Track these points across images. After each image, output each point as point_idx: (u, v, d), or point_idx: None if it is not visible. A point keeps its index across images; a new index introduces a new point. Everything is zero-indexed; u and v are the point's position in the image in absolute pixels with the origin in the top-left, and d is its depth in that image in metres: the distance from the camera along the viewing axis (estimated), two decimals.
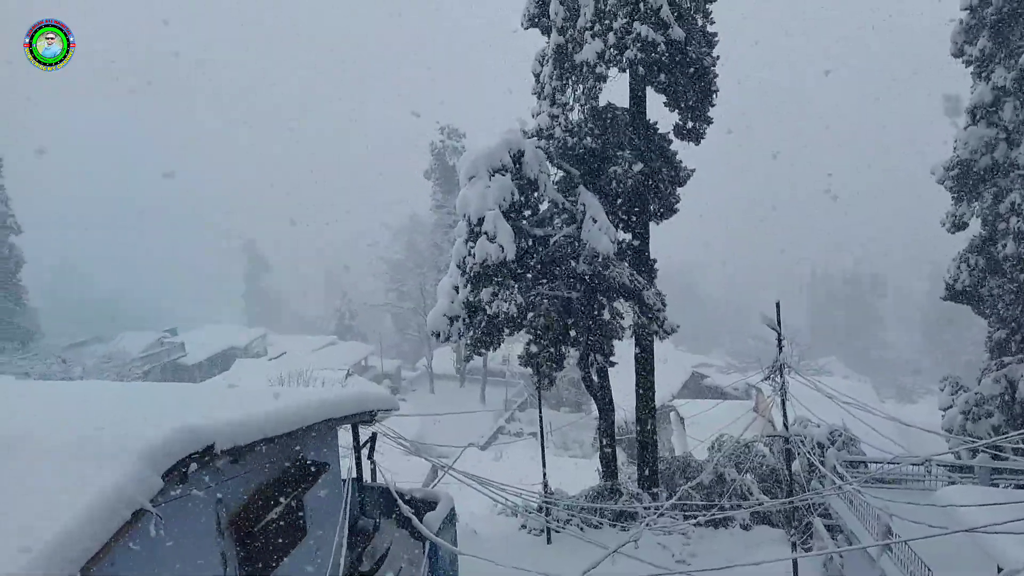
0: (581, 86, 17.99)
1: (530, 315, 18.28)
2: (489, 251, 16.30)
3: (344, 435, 10.42)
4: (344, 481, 9.38)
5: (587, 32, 17.11)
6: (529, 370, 19.52)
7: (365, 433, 10.65)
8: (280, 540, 7.34)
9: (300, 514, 7.82)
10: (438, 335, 17.46)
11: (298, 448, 8.25)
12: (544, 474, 18.52)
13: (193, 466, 5.62)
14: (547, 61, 18.57)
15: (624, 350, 21.53)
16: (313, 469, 8.32)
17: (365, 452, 10.53)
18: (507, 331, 18.02)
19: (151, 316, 68.40)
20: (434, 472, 23.78)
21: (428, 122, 58.49)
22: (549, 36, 18.54)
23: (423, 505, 11.29)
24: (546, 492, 18.21)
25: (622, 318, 19.86)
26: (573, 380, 47.86)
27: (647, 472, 20.19)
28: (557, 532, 17.01)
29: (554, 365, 18.87)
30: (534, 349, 18.58)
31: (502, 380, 54.66)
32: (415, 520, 8.48)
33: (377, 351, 61.00)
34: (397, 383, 57.83)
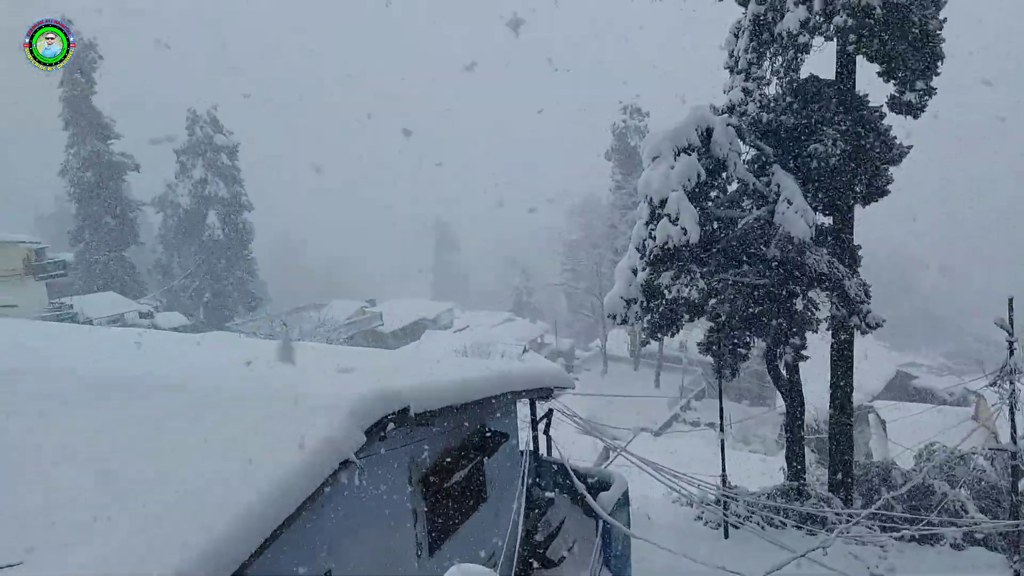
0: (780, 58, 16.70)
1: (712, 301, 17.49)
2: (671, 233, 15.79)
3: (520, 409, 10.76)
4: (522, 453, 9.69)
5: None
6: (709, 358, 18.75)
7: (541, 409, 10.91)
8: (463, 502, 7.77)
9: (481, 479, 8.21)
10: (614, 317, 17.33)
11: (481, 417, 8.65)
12: (723, 467, 17.80)
13: (391, 426, 6.10)
14: (743, 33, 17.46)
15: (817, 343, 19.89)
16: (494, 438, 8.68)
17: (541, 427, 10.78)
18: (687, 317, 17.41)
19: (359, 286, 75.62)
20: (606, 453, 23.84)
21: (609, 101, 57.80)
22: (746, 7, 17.40)
23: (597, 484, 11.35)
24: (725, 485, 17.49)
25: (817, 309, 18.33)
26: (757, 372, 45.29)
27: (839, 476, 18.61)
28: (736, 528, 16.29)
29: (737, 355, 17.94)
30: (716, 337, 17.78)
31: (678, 366, 53.17)
32: (589, 498, 8.56)
33: (552, 329, 62.17)
34: (570, 362, 58.56)
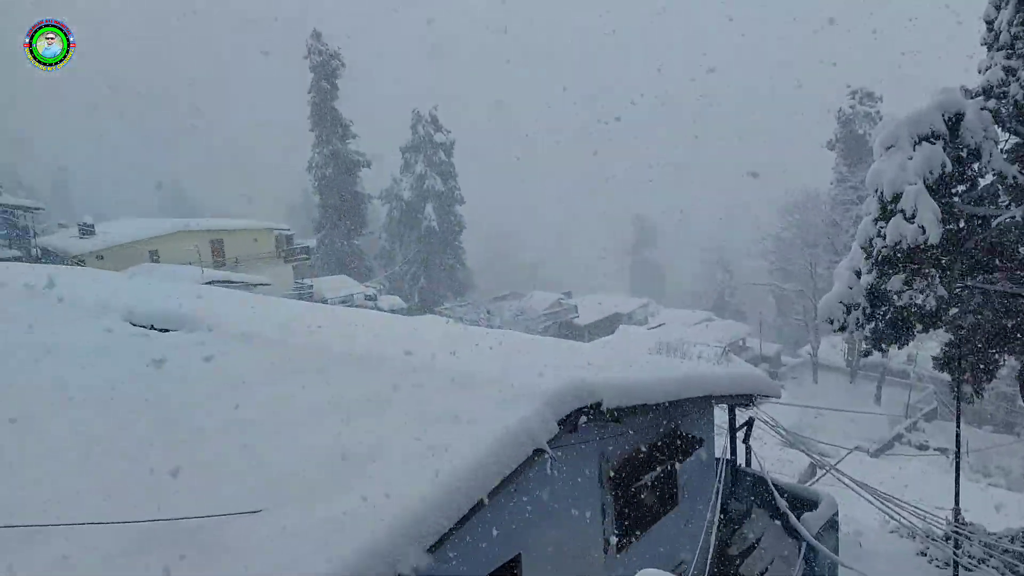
0: None
1: (954, 311, 15.26)
2: (905, 232, 14.01)
3: (718, 414, 10.26)
4: (718, 460, 9.25)
5: None
6: (945, 375, 16.41)
7: (741, 416, 10.32)
8: (654, 503, 7.61)
9: (673, 483, 7.98)
10: (831, 322, 15.81)
11: (675, 419, 8.39)
12: (957, 499, 15.53)
13: (583, 419, 6.14)
14: (1007, 3, 14.94)
15: None
16: (688, 442, 8.39)
17: (740, 435, 10.20)
18: (919, 327, 15.36)
19: (560, 278, 77.56)
20: (812, 470, 21.97)
21: (837, 87, 52.71)
22: None
23: (800, 502, 10.49)
24: (957, 520, 15.27)
25: None
26: (1005, 395, 38.90)
27: None
28: (968, 570, 14.16)
29: (983, 375, 15.50)
30: (956, 352, 15.49)
31: (905, 381, 47.34)
32: (791, 516, 7.94)
33: (756, 332, 58.51)
34: (776, 368, 54.73)
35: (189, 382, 7.03)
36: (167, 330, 8.64)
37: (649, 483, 7.36)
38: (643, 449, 7.73)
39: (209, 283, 25.96)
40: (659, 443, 8.06)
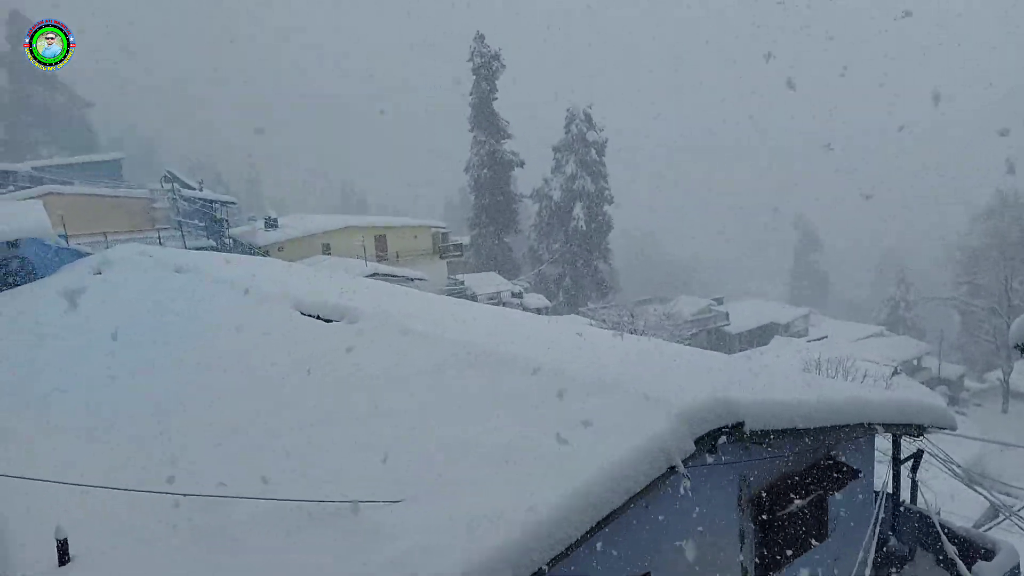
0: None
1: None
2: None
3: (881, 442, 9.39)
4: (876, 494, 8.48)
5: None
6: None
7: (908, 447, 9.36)
8: (799, 535, 7.14)
9: (823, 515, 7.44)
10: (1022, 350, 13.89)
11: (828, 446, 7.80)
12: None
13: (723, 439, 5.89)
14: None
15: None
16: (842, 472, 7.75)
17: (906, 469, 9.27)
18: None
19: (712, 283, 74.72)
20: (993, 513, 19.43)
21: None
22: None
23: (974, 550, 9.34)
24: None
25: None
26: None
27: None
28: None
29: None
30: None
31: None
32: (961, 565, 7.12)
33: (934, 351, 52.70)
34: (956, 393, 48.99)
35: (343, 371, 7.61)
36: (331, 320, 9.41)
37: (795, 512, 6.90)
38: (790, 475, 7.26)
39: (372, 275, 27.89)
40: (808, 470, 7.53)
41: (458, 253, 50.86)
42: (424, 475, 5.33)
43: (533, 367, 7.07)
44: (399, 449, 5.78)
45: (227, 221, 33.83)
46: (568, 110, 59.28)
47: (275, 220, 39.64)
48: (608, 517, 4.93)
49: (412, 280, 33.56)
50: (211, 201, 33.96)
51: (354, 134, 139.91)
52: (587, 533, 4.79)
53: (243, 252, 31.52)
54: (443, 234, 49.64)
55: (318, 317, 9.63)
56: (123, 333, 9.61)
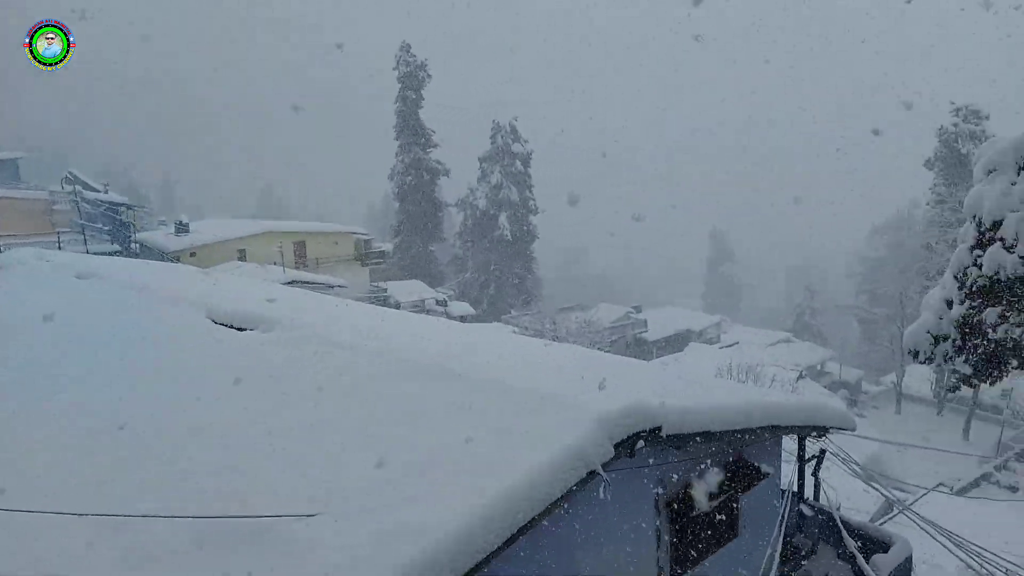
0: None
1: None
2: (1003, 262, 13.15)
3: (787, 443, 9.86)
4: (783, 492, 8.89)
5: None
6: None
7: (812, 447, 9.89)
8: (712, 534, 7.39)
9: (734, 514, 7.72)
10: (915, 354, 14.99)
11: (740, 447, 8.13)
12: None
13: (641, 443, 6.03)
14: None
15: None
16: (753, 472, 8.10)
17: (809, 468, 9.77)
18: (1015, 363, 14.38)
19: (630, 293, 76.63)
20: (887, 508, 20.78)
21: (937, 102, 49.97)
22: None
23: (872, 543, 9.94)
24: None
25: None
26: None
27: None
28: None
29: None
30: None
31: (997, 417, 44.21)
32: (860, 558, 7.55)
33: (837, 357, 55.97)
34: (856, 395, 52.17)
35: (257, 383, 7.33)
36: (245, 329, 9.05)
37: (708, 512, 7.15)
38: (703, 477, 7.52)
39: (290, 283, 27.06)
40: (720, 472, 7.82)
41: (381, 260, 50.14)
42: (341, 488, 5.19)
43: (455, 375, 7.03)
44: (315, 462, 5.61)
45: (134, 225, 32.07)
46: (494, 121, 59.77)
47: (186, 225, 37.95)
48: (529, 524, 4.94)
49: (332, 287, 32.84)
50: (117, 204, 32.10)
51: (275, 138, 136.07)
52: (507, 541, 4.79)
53: (152, 258, 29.93)
54: (366, 241, 48.86)
55: (231, 326, 9.25)
56: (13, 343, 8.92)
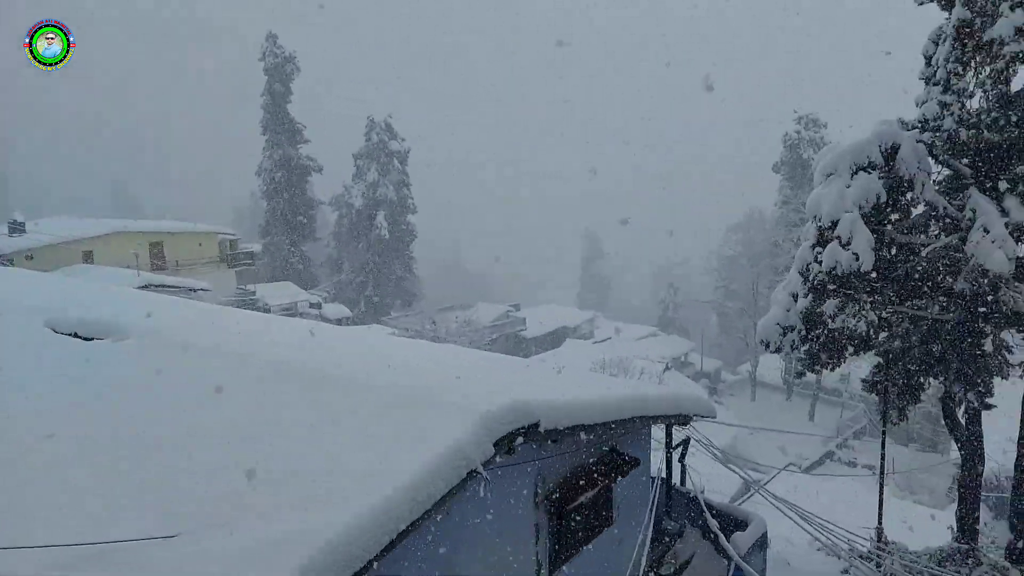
0: (988, 68, 14.83)
1: (883, 335, 15.88)
2: (840, 258, 14.54)
3: (655, 432, 10.38)
4: (653, 480, 9.35)
5: (1004, 3, 13.98)
6: (875, 396, 17.09)
7: (678, 435, 10.47)
8: (588, 524, 7.62)
9: (608, 503, 8.02)
10: (766, 345, 16.26)
11: (613, 438, 8.45)
12: (880, 518, 16.12)
13: (520, 439, 6.11)
14: (944, 40, 15.72)
15: (1008, 390, 17.43)
16: (624, 462, 8.44)
17: (676, 455, 10.35)
18: (851, 350, 15.96)
19: (510, 291, 77.63)
20: (746, 488, 22.51)
21: (784, 112, 54.67)
22: (951, 11, 15.64)
23: (732, 522, 10.70)
24: (880, 539, 15.82)
25: (1011, 352, 16.07)
26: (929, 415, 40.66)
27: (1021, 544, 16.15)
28: None
29: (907, 397, 16.17)
30: (884, 376, 16.14)
31: (838, 400, 49.12)
32: (721, 537, 8.07)
33: (698, 348, 59.84)
34: (715, 384, 56.01)
35: (107, 398, 6.71)
36: (92, 338, 8.25)
37: (584, 503, 7.37)
38: (580, 469, 7.74)
39: (145, 286, 25.01)
40: (596, 463, 8.10)
41: (249, 262, 47.65)
42: (206, 504, 4.85)
43: (330, 379, 6.79)
44: (176, 478, 5.21)
45: None
46: (369, 118, 58.50)
47: (21, 224, 34.14)
48: (410, 527, 4.86)
49: (195, 291, 30.75)
50: None
51: (132, 133, 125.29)
52: (387, 547, 4.68)
53: None
54: (231, 241, 46.23)
55: (76, 335, 8.40)
56: None
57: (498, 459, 6.19)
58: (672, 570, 9.27)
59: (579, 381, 10.04)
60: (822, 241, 15.04)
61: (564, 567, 7.37)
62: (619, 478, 8.14)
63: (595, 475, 7.82)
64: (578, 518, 7.39)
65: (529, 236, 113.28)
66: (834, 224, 14.76)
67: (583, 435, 7.27)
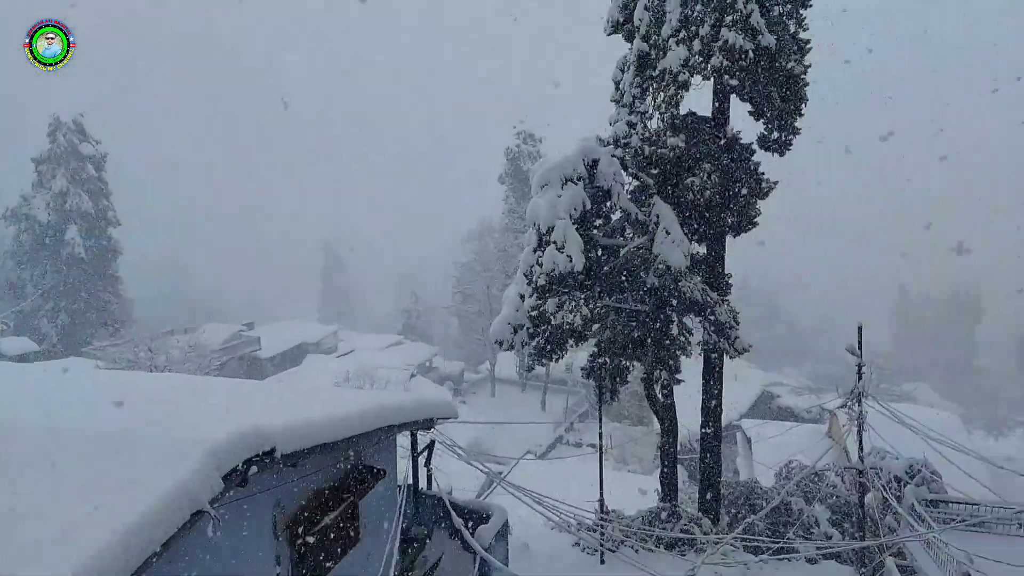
0: (662, 94, 17.60)
1: (595, 327, 17.98)
2: (557, 261, 16.15)
3: (402, 438, 10.48)
4: (399, 487, 9.42)
5: (672, 39, 16.74)
6: (592, 381, 19.25)
7: (423, 440, 10.69)
8: (334, 544, 7.41)
9: (355, 519, 7.89)
10: (500, 343, 17.42)
11: (356, 453, 8.34)
12: (601, 490, 18.20)
13: (254, 468, 5.72)
14: (628, 68, 18.28)
15: (692, 366, 20.92)
16: (370, 475, 8.38)
17: (422, 460, 10.56)
18: (571, 342, 17.79)
19: (243, 310, 71.73)
20: (489, 481, 23.83)
21: (507, 125, 59.02)
22: (632, 43, 18.26)
23: (476, 517, 11.24)
24: (602, 509, 17.86)
25: (691, 334, 19.30)
26: (636, 394, 47.01)
27: (709, 496, 19.52)
28: (612, 552, 16.68)
29: (617, 379, 18.49)
30: (597, 362, 18.27)
31: (564, 388, 54.29)
32: (466, 533, 8.44)
33: (442, 352, 61.73)
34: (459, 385, 58.29)
35: None
36: None
37: (329, 524, 7.15)
38: (322, 490, 7.50)
39: None
40: (341, 480, 7.92)
41: None
42: None
43: (26, 427, 5.71)
44: None
45: None
46: (53, 116, 49.83)
47: None
48: None
49: None
50: None
51: None
52: None
53: None
54: None
55: None
56: None
57: (230, 493, 5.74)
58: (422, 574, 9.44)
59: (320, 398, 9.70)
60: (542, 245, 16.56)
61: None
62: (365, 493, 8.06)
63: (340, 493, 7.65)
64: (323, 540, 7.15)
65: (266, 251, 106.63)
66: (550, 230, 16.35)
67: (325, 454, 7.05)
